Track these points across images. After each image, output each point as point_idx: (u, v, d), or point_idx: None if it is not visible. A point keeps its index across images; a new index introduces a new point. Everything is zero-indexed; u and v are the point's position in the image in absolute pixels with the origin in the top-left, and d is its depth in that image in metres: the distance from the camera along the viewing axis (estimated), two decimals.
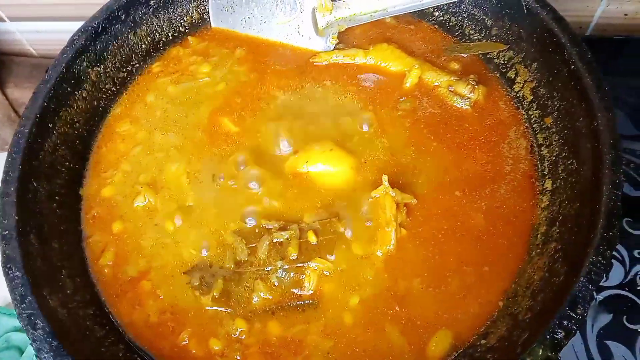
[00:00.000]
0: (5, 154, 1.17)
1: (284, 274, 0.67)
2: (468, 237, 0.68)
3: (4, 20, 1.19)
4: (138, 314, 0.68)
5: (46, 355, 0.58)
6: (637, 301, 0.81)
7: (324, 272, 0.67)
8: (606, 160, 0.60)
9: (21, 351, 0.96)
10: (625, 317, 0.80)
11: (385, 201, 0.68)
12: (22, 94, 1.20)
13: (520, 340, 0.56)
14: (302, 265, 0.67)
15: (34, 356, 0.95)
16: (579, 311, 0.54)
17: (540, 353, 0.53)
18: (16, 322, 0.99)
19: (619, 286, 0.83)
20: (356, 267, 0.68)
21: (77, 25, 0.80)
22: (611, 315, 0.81)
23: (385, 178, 0.68)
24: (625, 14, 1.06)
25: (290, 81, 0.83)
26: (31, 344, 0.59)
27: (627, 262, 0.84)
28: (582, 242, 0.58)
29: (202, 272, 0.68)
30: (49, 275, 0.66)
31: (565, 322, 0.54)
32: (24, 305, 0.60)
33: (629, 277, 0.83)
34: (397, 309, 0.65)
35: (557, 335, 0.53)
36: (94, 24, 0.79)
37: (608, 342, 0.79)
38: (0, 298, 1.02)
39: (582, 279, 0.55)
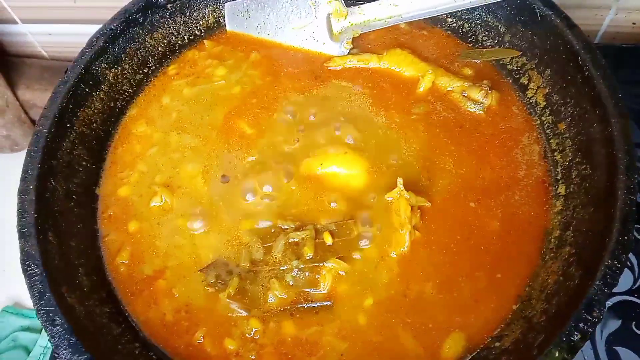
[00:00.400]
0: (16, 154, 1.20)
1: (299, 273, 0.68)
2: (481, 241, 0.69)
3: (16, 23, 1.20)
4: (153, 313, 0.68)
5: (64, 351, 0.58)
6: None
7: (340, 272, 0.68)
8: (621, 165, 0.61)
9: (28, 351, 0.97)
10: (634, 323, 0.81)
11: (400, 204, 0.69)
12: (32, 95, 1.21)
13: (536, 342, 0.57)
14: (317, 265, 0.68)
15: (41, 355, 0.96)
16: (594, 314, 0.54)
17: (557, 355, 0.53)
18: (23, 322, 0.99)
19: (628, 292, 0.83)
20: (371, 269, 0.68)
21: (88, 28, 0.81)
22: (620, 321, 0.81)
23: (400, 181, 0.69)
24: (634, 23, 1.07)
25: (304, 85, 0.84)
26: (49, 340, 0.60)
27: (636, 269, 0.85)
28: (597, 246, 0.59)
29: (217, 270, 0.69)
30: (66, 273, 0.66)
31: (581, 325, 0.54)
32: (43, 302, 0.60)
33: (638, 284, 0.84)
34: (410, 311, 0.65)
35: (574, 337, 0.54)
36: (112, 26, 0.80)
37: (617, 348, 0.80)
38: (6, 298, 1.03)
39: (597, 282, 0.56)
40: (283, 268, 0.68)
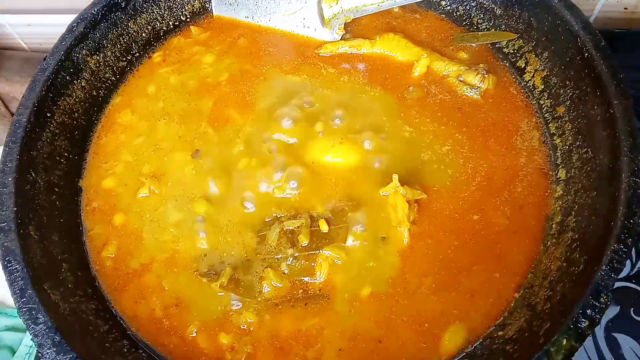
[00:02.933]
0: None
1: (294, 261, 0.66)
2: (481, 228, 0.67)
3: None
4: (142, 308, 0.66)
5: (48, 351, 0.55)
6: None
7: (335, 261, 0.66)
8: (624, 147, 0.60)
9: (13, 351, 0.93)
10: (632, 309, 0.80)
11: (396, 200, 0.67)
12: (12, 88, 1.17)
13: (542, 330, 0.55)
14: (313, 252, 0.66)
15: (27, 355, 0.93)
16: (602, 300, 0.53)
17: (565, 343, 0.51)
18: (7, 321, 0.96)
19: (626, 278, 0.82)
20: (368, 258, 0.66)
21: (69, 18, 0.77)
22: (619, 307, 0.80)
23: (395, 177, 0.67)
24: (625, 8, 1.06)
25: (295, 71, 0.82)
26: (32, 339, 0.57)
27: (634, 255, 0.84)
28: (602, 231, 0.58)
29: (209, 260, 0.67)
30: (49, 269, 0.63)
31: (589, 311, 0.52)
32: (25, 299, 0.58)
33: (635, 269, 0.83)
34: (409, 303, 0.64)
35: (581, 324, 0.52)
36: (93, 11, 0.77)
37: (616, 335, 0.79)
38: None
39: (604, 267, 0.54)
40: (278, 257, 0.66)
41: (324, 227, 0.67)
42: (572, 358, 0.52)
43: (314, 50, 0.84)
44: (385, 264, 0.66)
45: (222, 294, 0.65)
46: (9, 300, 0.97)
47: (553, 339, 0.52)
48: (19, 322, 0.95)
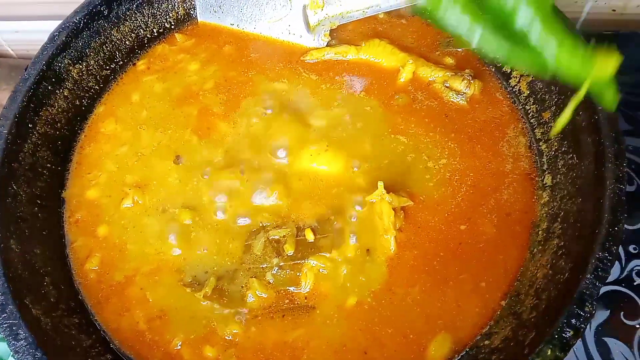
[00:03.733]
0: None
1: (279, 271, 0.65)
2: (468, 237, 0.67)
3: None
4: (126, 321, 0.65)
5: None
6: (634, 297, 0.80)
7: (321, 270, 0.65)
8: (609, 154, 0.59)
9: None
10: (622, 313, 0.80)
11: (382, 208, 0.66)
12: (0, 95, 1.16)
13: (527, 340, 0.55)
14: (298, 262, 0.65)
15: None
16: (587, 309, 0.52)
17: (549, 353, 0.51)
18: None
19: (616, 282, 0.82)
20: (354, 268, 0.66)
21: (57, 25, 0.77)
22: (608, 312, 0.80)
23: (380, 184, 0.66)
24: (613, 10, 1.06)
25: (281, 78, 0.81)
26: (13, 356, 0.56)
27: (623, 258, 0.84)
28: (587, 238, 0.57)
29: (193, 270, 0.66)
30: (31, 283, 0.62)
31: (573, 321, 0.52)
32: (5, 315, 0.57)
33: (625, 273, 0.83)
34: (395, 313, 0.63)
35: (566, 334, 0.52)
36: (75, 20, 0.76)
37: (606, 339, 0.78)
38: None
39: (588, 275, 0.54)
40: (263, 266, 0.65)
41: (309, 236, 0.66)
42: None
43: (300, 58, 0.83)
44: (371, 273, 0.65)
45: (207, 303, 0.64)
46: None
47: (537, 349, 0.51)
48: None
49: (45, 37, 0.75)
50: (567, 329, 0.52)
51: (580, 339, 0.77)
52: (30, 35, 1.18)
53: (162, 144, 0.76)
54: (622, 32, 1.07)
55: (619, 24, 1.08)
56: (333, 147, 0.73)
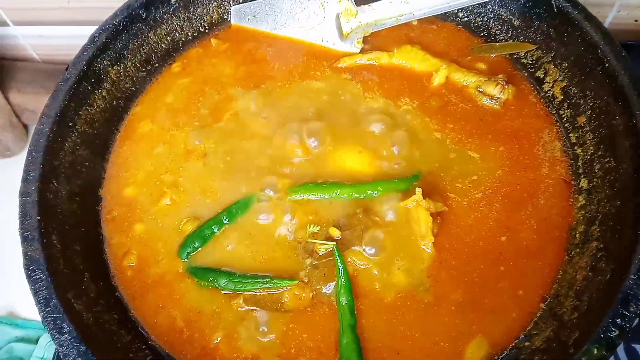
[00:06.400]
0: (7, 160, 1.16)
1: (313, 270, 0.65)
2: (505, 239, 0.67)
3: (8, 25, 1.16)
4: (163, 318, 0.65)
5: None
6: None
7: (359, 266, 0.65)
8: None
9: None
10: None
11: (419, 214, 0.66)
12: (23, 99, 1.17)
13: (571, 340, 0.55)
14: (331, 259, 0.65)
15: None
16: (632, 309, 0.53)
17: (595, 352, 0.51)
18: (18, 332, 0.96)
19: None
20: (389, 271, 0.66)
21: (81, 30, 0.79)
22: (638, 318, 0.80)
23: (418, 190, 0.66)
24: (636, 20, 1.07)
25: (315, 82, 0.82)
26: (57, 350, 0.56)
27: None
28: (628, 240, 0.57)
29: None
30: (72, 278, 0.63)
31: (618, 320, 0.52)
32: (49, 308, 0.57)
33: None
34: (431, 316, 0.63)
35: (611, 334, 0.52)
36: (114, 22, 0.77)
37: (635, 346, 0.78)
38: (0, 308, 0.98)
39: (632, 276, 0.54)
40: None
41: (334, 233, 0.66)
42: None
43: (333, 63, 0.84)
44: (406, 276, 0.65)
45: (244, 308, 0.64)
46: (20, 311, 0.97)
47: (584, 348, 0.52)
48: (29, 333, 0.95)
49: (68, 42, 0.77)
50: (613, 329, 0.52)
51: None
52: (55, 40, 1.19)
53: (198, 144, 0.76)
54: None
55: None
56: (365, 150, 0.74)
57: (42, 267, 0.59)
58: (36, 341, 0.94)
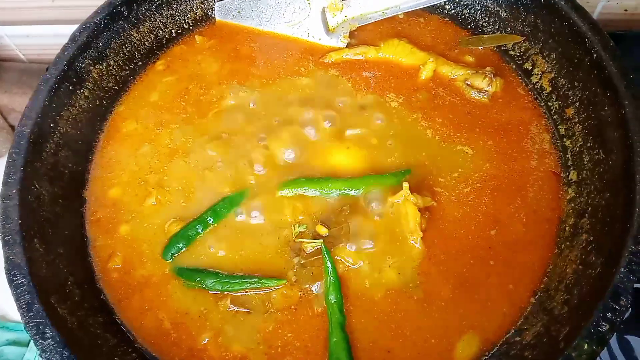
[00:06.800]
0: None
1: (301, 269, 0.65)
2: (494, 232, 0.66)
3: None
4: (149, 320, 0.64)
5: None
6: None
7: (347, 264, 0.65)
8: (638, 148, 0.59)
9: None
10: None
11: (407, 209, 0.66)
12: (10, 100, 1.16)
13: (561, 335, 0.54)
14: (319, 257, 0.65)
15: None
16: (622, 303, 0.52)
17: (586, 347, 0.51)
18: (8, 335, 0.94)
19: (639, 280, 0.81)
20: (379, 268, 0.65)
21: (67, 28, 0.77)
22: (631, 309, 0.79)
23: (405, 185, 0.66)
24: (626, 10, 1.06)
25: (302, 78, 0.81)
26: (40, 355, 0.55)
27: None
28: (618, 233, 0.57)
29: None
30: (55, 282, 0.62)
31: (609, 315, 0.52)
32: (31, 314, 0.56)
33: None
34: (421, 313, 0.63)
35: (602, 328, 0.51)
36: (96, 20, 0.76)
37: (628, 337, 0.78)
38: None
39: (622, 269, 0.53)
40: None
41: (321, 231, 0.66)
42: None
43: (319, 58, 0.83)
44: (396, 273, 0.65)
45: (232, 308, 0.64)
46: (11, 314, 0.96)
47: (574, 343, 0.51)
48: (20, 336, 0.93)
49: (55, 41, 0.76)
50: (603, 323, 0.51)
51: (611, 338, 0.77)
52: (41, 39, 1.18)
53: (182, 143, 0.75)
54: (633, 32, 1.07)
55: (631, 24, 1.08)
56: (354, 146, 0.73)
57: (24, 272, 0.58)
58: (27, 344, 0.93)
